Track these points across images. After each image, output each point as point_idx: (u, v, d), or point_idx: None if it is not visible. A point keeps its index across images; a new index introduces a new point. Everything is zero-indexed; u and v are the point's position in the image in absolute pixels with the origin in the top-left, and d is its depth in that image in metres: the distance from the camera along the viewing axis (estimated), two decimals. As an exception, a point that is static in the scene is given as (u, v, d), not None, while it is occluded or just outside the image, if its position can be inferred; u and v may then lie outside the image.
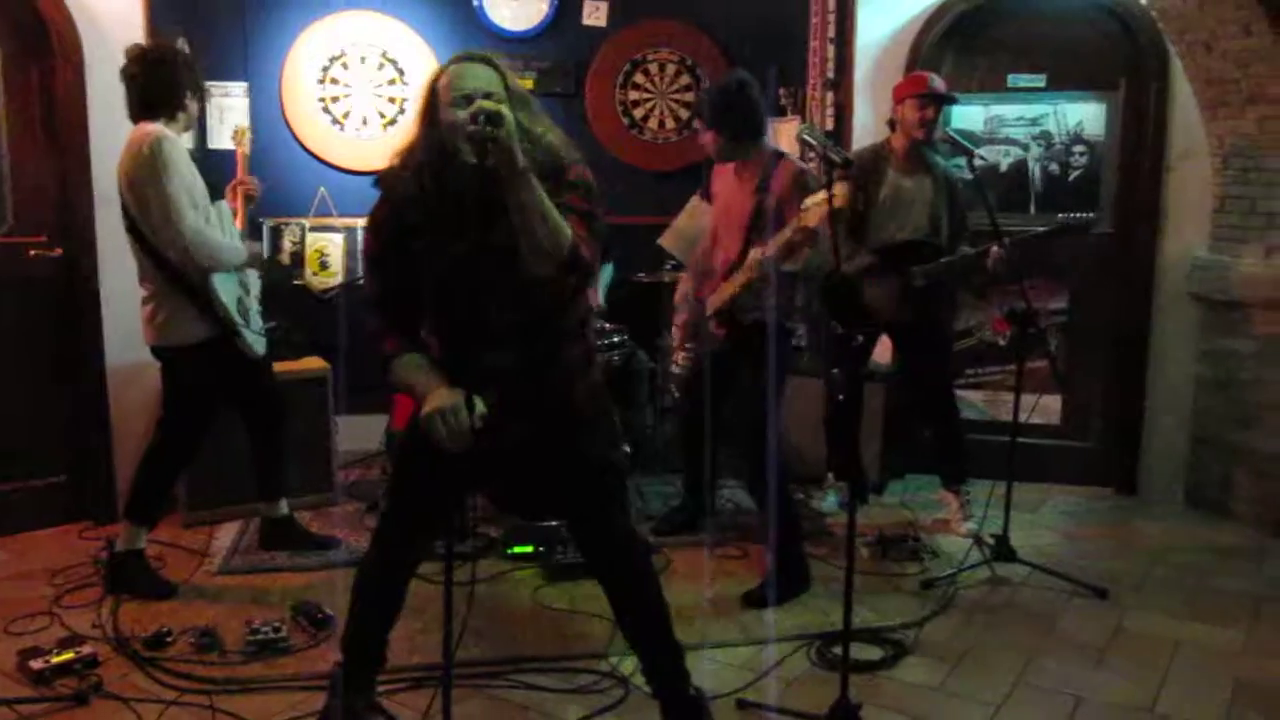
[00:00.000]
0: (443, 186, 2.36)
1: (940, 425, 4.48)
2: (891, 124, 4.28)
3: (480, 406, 2.28)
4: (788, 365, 3.81)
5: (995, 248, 4.02)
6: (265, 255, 3.76)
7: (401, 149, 2.45)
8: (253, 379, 3.79)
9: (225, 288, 3.56)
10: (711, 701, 2.81)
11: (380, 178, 2.47)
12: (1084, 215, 4.04)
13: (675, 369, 4.07)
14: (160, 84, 3.50)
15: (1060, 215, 4.11)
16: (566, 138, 2.51)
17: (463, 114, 2.22)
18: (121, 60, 3.51)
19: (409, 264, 2.43)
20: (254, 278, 3.84)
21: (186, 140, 3.79)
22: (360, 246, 2.54)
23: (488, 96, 2.28)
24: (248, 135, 4.08)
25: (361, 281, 5.03)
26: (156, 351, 3.64)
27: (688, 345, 3.93)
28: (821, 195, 3.14)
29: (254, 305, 3.77)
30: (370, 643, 2.74)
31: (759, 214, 3.58)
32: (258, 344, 3.71)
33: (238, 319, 3.59)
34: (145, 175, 3.39)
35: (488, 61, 2.39)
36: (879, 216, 4.22)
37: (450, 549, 2.30)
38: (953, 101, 4.22)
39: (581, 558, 3.56)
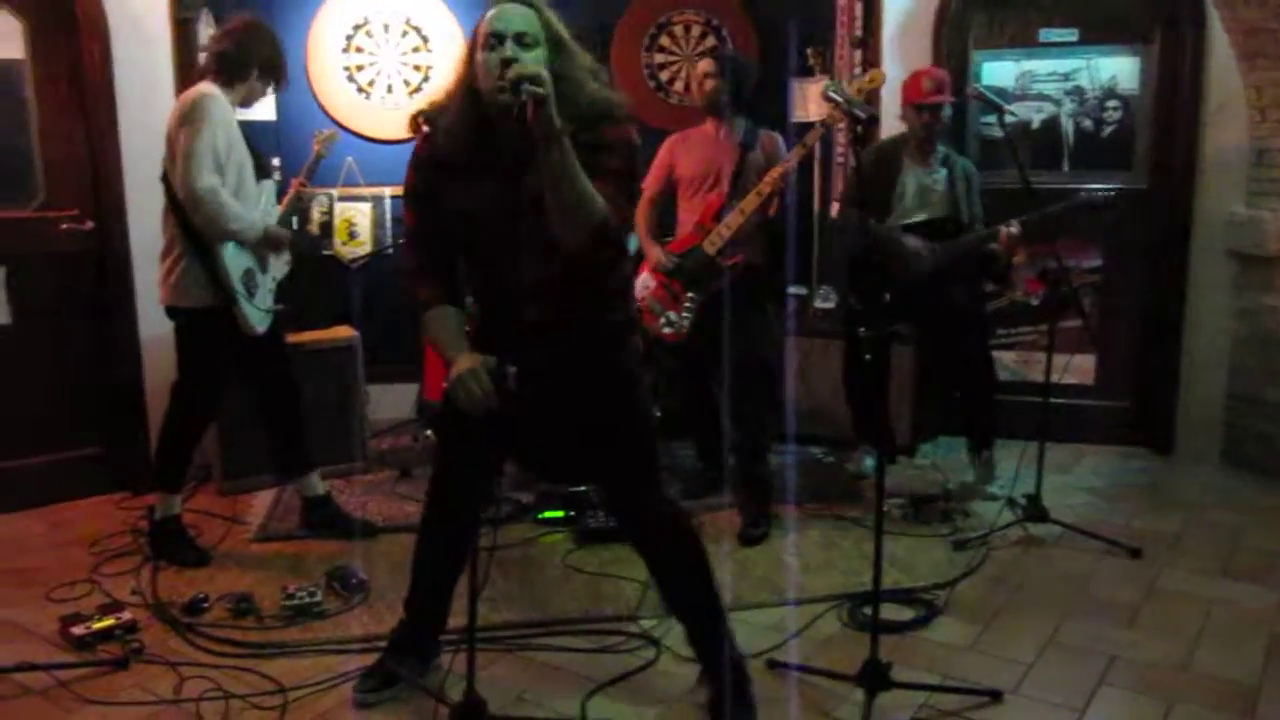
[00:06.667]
0: (475, 129, 2.35)
1: (970, 392, 4.41)
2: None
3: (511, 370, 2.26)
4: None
5: (1005, 229, 3.98)
6: (294, 246, 3.78)
7: (445, 89, 2.45)
8: (261, 356, 3.75)
9: (235, 255, 3.54)
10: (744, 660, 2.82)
11: (420, 114, 2.47)
12: (1105, 193, 3.99)
13: (670, 329, 4.01)
14: (228, 52, 3.54)
15: (1086, 191, 4.07)
16: (612, 91, 2.45)
17: (494, 61, 2.23)
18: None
19: (443, 203, 2.43)
20: (279, 258, 3.82)
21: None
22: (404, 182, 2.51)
23: (520, 37, 2.27)
24: (332, 141, 4.32)
25: (390, 250, 5.08)
26: (169, 312, 3.64)
27: (689, 295, 3.96)
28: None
29: (266, 282, 3.71)
30: (427, 603, 2.81)
31: (743, 164, 3.97)
32: (257, 319, 3.62)
33: (239, 288, 3.54)
34: (179, 124, 3.42)
35: (528, 2, 2.35)
36: (899, 202, 4.21)
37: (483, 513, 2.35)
38: (951, 102, 4.14)
39: (613, 522, 3.61)
